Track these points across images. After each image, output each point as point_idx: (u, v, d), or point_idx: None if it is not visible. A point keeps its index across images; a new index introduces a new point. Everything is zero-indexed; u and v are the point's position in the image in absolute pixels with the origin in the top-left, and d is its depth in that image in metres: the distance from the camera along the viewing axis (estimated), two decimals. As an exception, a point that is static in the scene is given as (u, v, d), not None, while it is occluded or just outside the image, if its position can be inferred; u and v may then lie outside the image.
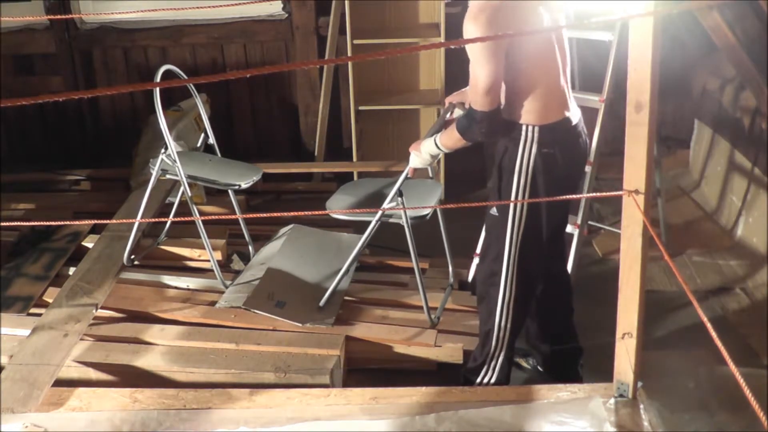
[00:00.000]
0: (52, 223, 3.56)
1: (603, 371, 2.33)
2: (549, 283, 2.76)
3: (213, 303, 3.13)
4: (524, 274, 2.56)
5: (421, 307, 3.00)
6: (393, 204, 2.79)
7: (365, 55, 1.71)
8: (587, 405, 2.21)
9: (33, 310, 3.08)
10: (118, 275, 3.23)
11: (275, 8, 4.65)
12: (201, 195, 4.08)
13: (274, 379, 2.68)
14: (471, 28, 2.26)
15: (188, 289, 3.29)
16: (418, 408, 2.32)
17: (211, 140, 3.50)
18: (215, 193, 4.08)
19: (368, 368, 2.91)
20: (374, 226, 2.88)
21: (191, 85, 3.65)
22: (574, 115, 2.50)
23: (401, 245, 3.01)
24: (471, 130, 2.41)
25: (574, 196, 2.88)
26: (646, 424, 2.12)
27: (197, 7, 4.54)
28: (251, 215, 3.65)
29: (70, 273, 3.27)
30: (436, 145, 2.57)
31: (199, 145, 3.56)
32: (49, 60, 4.83)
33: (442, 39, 4.17)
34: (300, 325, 2.93)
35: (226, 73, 3.54)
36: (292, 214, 2.20)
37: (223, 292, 3.19)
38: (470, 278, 3.35)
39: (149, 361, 2.78)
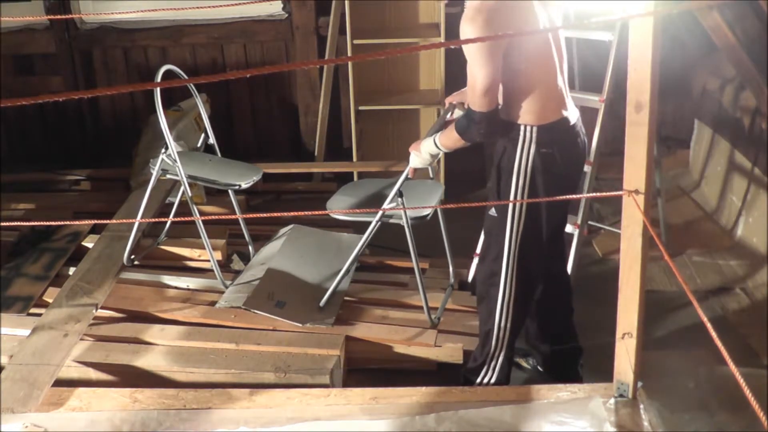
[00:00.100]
0: (52, 223, 3.56)
1: (603, 371, 2.33)
2: (549, 283, 2.76)
3: (213, 303, 3.13)
4: (524, 274, 2.56)
5: (421, 307, 3.00)
6: (393, 204, 2.79)
7: (365, 55, 1.71)
8: (587, 405, 2.21)
9: (33, 310, 3.08)
10: (118, 275, 3.23)
11: (275, 8, 4.65)
12: (201, 195, 4.08)
13: (274, 379, 2.68)
14: (468, 29, 2.26)
15: (188, 289, 3.29)
16: (418, 408, 2.32)
17: (211, 140, 3.50)
18: (215, 193, 4.08)
19: (368, 368, 2.91)
20: (375, 226, 2.88)
21: (191, 85, 3.65)
22: (572, 114, 2.50)
23: (401, 245, 3.01)
24: (470, 131, 2.41)
25: (573, 196, 2.88)
26: (646, 424, 2.12)
27: (197, 7, 4.54)
28: (251, 215, 3.65)
29: (70, 273, 3.27)
30: (435, 144, 2.58)
31: (199, 145, 3.57)
32: (49, 60, 4.83)
33: (442, 39, 4.17)
34: (300, 325, 2.93)
35: (226, 73, 3.54)
36: (292, 214, 2.20)
37: (223, 292, 3.19)
38: (470, 278, 3.35)
39: (149, 361, 2.78)
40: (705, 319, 1.43)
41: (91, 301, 3.00)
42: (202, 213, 3.87)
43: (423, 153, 2.63)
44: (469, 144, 2.50)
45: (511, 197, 2.45)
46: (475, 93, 2.30)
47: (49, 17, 4.55)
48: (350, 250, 3.09)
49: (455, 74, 4.07)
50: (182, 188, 3.20)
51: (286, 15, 4.65)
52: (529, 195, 2.45)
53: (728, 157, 4.01)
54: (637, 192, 1.94)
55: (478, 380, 2.68)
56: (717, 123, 4.24)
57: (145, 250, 3.48)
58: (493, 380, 2.66)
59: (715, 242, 3.79)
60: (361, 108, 4.40)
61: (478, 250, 3.27)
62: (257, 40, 4.73)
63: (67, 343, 2.73)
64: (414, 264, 2.87)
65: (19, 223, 3.67)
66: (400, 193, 2.78)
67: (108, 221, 3.62)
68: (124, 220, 3.59)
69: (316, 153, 4.68)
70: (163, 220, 3.62)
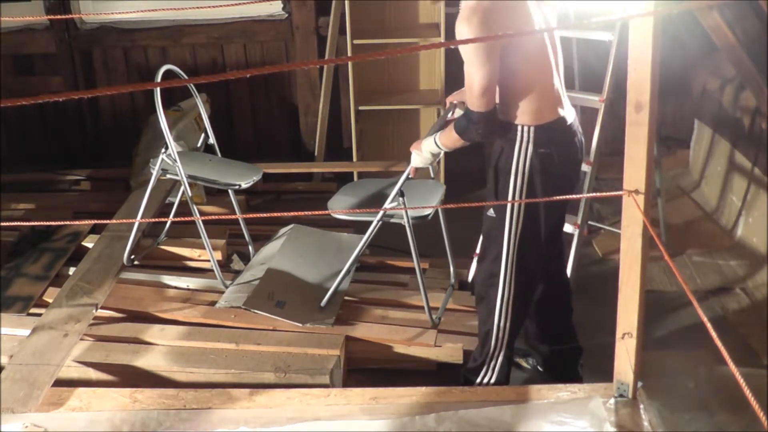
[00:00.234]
0: (52, 223, 3.56)
1: (603, 371, 2.33)
2: (548, 283, 2.76)
3: (213, 303, 3.13)
4: (523, 275, 2.56)
5: (420, 307, 3.00)
6: (394, 204, 2.79)
7: (365, 55, 1.71)
8: (587, 405, 2.21)
9: (33, 310, 3.08)
10: (118, 275, 3.23)
11: (275, 8, 4.65)
12: (201, 195, 4.08)
13: (274, 379, 2.68)
14: (464, 29, 2.26)
15: (188, 289, 3.29)
16: (418, 408, 2.32)
17: (211, 140, 3.50)
18: (215, 193, 4.08)
19: (368, 368, 2.91)
20: (376, 226, 2.88)
21: (191, 85, 3.65)
22: (569, 114, 2.50)
23: (401, 245, 3.01)
24: (468, 131, 2.41)
25: (573, 197, 2.88)
26: (646, 424, 2.12)
27: (197, 7, 4.54)
28: (251, 215, 3.65)
29: (70, 273, 3.27)
30: (436, 144, 2.58)
31: (199, 145, 3.57)
32: (49, 60, 4.83)
33: (442, 39, 4.17)
34: (300, 325, 2.93)
35: (226, 73, 3.54)
36: (292, 214, 2.20)
37: (223, 292, 3.19)
38: (470, 278, 3.35)
39: (149, 361, 2.78)
40: (705, 319, 1.43)
41: (91, 301, 3.00)
42: (202, 213, 3.87)
43: (424, 152, 2.64)
44: (469, 143, 2.50)
45: (509, 198, 2.45)
46: (472, 93, 2.31)
47: (49, 17, 4.55)
48: (350, 250, 3.09)
49: (455, 74, 4.05)
50: (182, 188, 3.20)
51: (286, 15, 4.65)
52: (527, 195, 2.45)
53: (728, 157, 4.01)
54: (637, 192, 1.94)
55: (478, 380, 2.68)
56: (717, 123, 4.24)
57: (145, 250, 3.48)
58: (492, 380, 2.66)
59: (715, 242, 3.79)
60: (361, 108, 4.40)
61: (478, 251, 3.27)
62: (257, 40, 4.73)
63: (67, 343, 2.73)
64: (415, 264, 2.87)
65: (19, 223, 3.67)
66: (401, 193, 2.78)
67: (108, 221, 3.62)
68: (124, 220, 3.59)
69: (316, 153, 4.68)
70: (163, 220, 3.62)
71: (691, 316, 3.17)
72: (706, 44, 4.06)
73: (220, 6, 3.31)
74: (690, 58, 4.52)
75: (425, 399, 2.36)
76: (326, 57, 4.48)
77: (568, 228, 3.37)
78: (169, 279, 3.33)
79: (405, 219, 2.80)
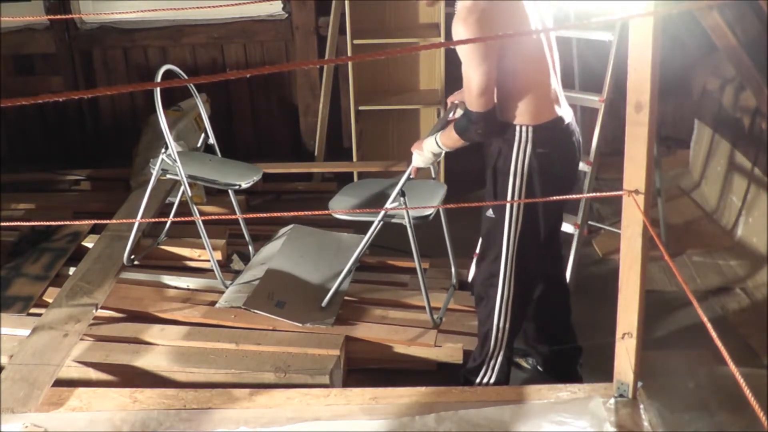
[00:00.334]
0: (52, 223, 3.56)
1: (603, 371, 2.33)
2: (546, 283, 2.76)
3: (213, 303, 3.13)
4: (522, 275, 2.56)
5: (420, 307, 3.00)
6: (395, 204, 2.79)
7: (365, 55, 1.71)
8: (587, 405, 2.21)
9: (33, 310, 3.08)
10: (118, 275, 3.23)
11: (275, 8, 4.65)
12: (201, 195, 4.08)
13: (274, 379, 2.68)
14: (461, 30, 2.26)
15: (188, 289, 3.29)
16: (418, 408, 2.32)
17: (211, 140, 3.50)
18: (215, 193, 4.08)
19: (368, 368, 2.91)
20: (377, 226, 2.87)
21: (191, 85, 3.65)
22: (567, 113, 2.50)
23: (401, 245, 3.01)
24: (468, 131, 2.41)
25: (573, 197, 2.88)
26: (646, 424, 2.12)
27: (197, 7, 4.54)
28: (251, 215, 3.65)
29: (70, 273, 3.27)
30: (437, 144, 2.58)
31: (199, 145, 3.57)
32: (49, 60, 4.83)
33: (442, 39, 4.17)
34: (300, 325, 2.93)
35: (226, 73, 3.54)
36: (292, 214, 2.20)
37: (223, 292, 3.19)
38: (470, 278, 3.35)
39: (149, 361, 2.78)
40: (705, 319, 1.43)
41: (91, 301, 3.00)
42: (202, 213, 3.87)
43: (425, 152, 2.64)
44: (469, 143, 2.50)
45: (509, 198, 2.45)
46: (471, 94, 2.31)
47: (49, 17, 4.55)
48: (350, 250, 3.09)
49: (455, 74, 4.03)
50: (182, 188, 3.20)
51: (286, 15, 4.65)
52: (527, 196, 2.44)
53: (728, 157, 4.01)
54: (637, 192, 1.94)
55: (478, 380, 2.68)
56: (717, 123, 4.24)
57: (145, 250, 3.48)
58: (492, 380, 2.66)
59: (715, 242, 3.79)
60: (361, 108, 4.40)
61: (477, 251, 3.27)
62: (257, 40, 4.73)
63: (67, 343, 2.73)
64: (416, 264, 2.87)
65: (19, 223, 3.67)
66: (402, 193, 2.78)
67: (108, 221, 3.62)
68: (124, 220, 3.59)
69: (316, 153, 4.68)
70: (163, 220, 3.62)
71: (691, 316, 3.17)
72: (706, 44, 4.06)
73: (220, 6, 3.31)
74: (690, 58, 4.52)
75: (425, 399, 2.36)
76: (326, 57, 4.48)
77: (568, 228, 3.37)
78: (169, 279, 3.33)
79: (406, 219, 2.80)
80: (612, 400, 2.21)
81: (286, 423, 2.29)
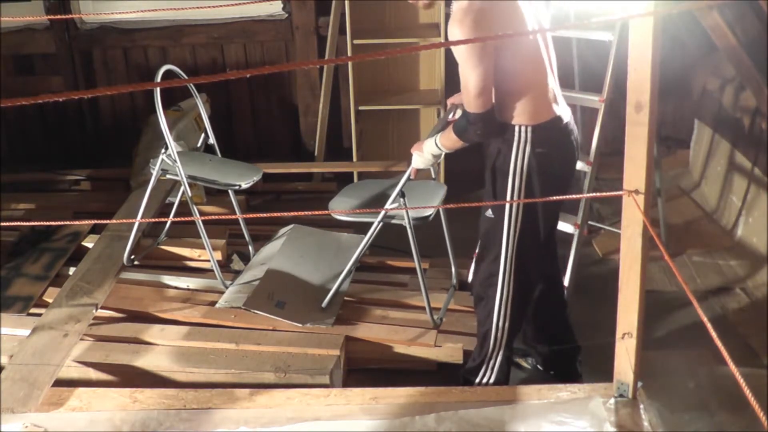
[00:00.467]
0: (52, 223, 3.56)
1: (603, 371, 2.33)
2: (545, 282, 2.76)
3: (213, 303, 3.13)
4: (522, 275, 2.56)
5: (420, 307, 3.00)
6: (395, 205, 2.79)
7: (365, 55, 1.71)
8: (587, 405, 2.21)
9: (33, 310, 3.08)
10: (118, 275, 3.23)
11: (275, 8, 4.65)
12: (201, 195, 4.08)
13: (274, 379, 2.68)
14: (457, 31, 2.26)
15: (188, 289, 3.29)
16: (418, 408, 2.32)
17: (211, 140, 3.50)
18: (215, 193, 4.08)
19: (368, 368, 2.91)
20: (377, 226, 2.87)
21: (191, 85, 3.65)
22: (565, 113, 2.50)
23: (401, 245, 3.01)
24: (467, 132, 2.42)
25: (572, 197, 2.88)
26: (646, 424, 2.12)
27: (197, 7, 4.54)
28: (251, 215, 3.65)
29: (70, 273, 3.27)
30: (436, 145, 2.58)
31: (199, 145, 3.56)
32: (49, 60, 4.83)
33: (442, 39, 4.17)
34: (300, 325, 2.93)
35: (226, 73, 3.54)
36: (292, 214, 2.20)
37: (223, 292, 3.19)
38: (470, 279, 3.35)
39: (149, 361, 2.78)
40: (705, 319, 1.43)
41: (91, 301, 3.00)
42: (202, 213, 3.87)
43: (425, 153, 2.64)
44: (469, 144, 2.50)
45: (508, 198, 2.45)
46: (469, 95, 2.30)
47: (49, 17, 4.55)
48: (350, 250, 3.09)
49: (455, 74, 4.05)
50: (182, 188, 3.20)
51: (286, 15, 4.65)
52: (526, 195, 2.44)
53: (728, 157, 4.01)
54: (637, 192, 1.94)
55: (477, 380, 2.68)
56: (717, 123, 4.24)
57: (145, 250, 3.48)
58: (492, 380, 2.66)
59: (715, 242, 3.79)
60: (361, 108, 4.40)
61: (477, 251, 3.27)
62: (257, 40, 4.73)
63: (67, 343, 2.73)
64: (416, 265, 2.87)
65: (19, 223, 3.67)
66: (402, 194, 2.78)
67: (108, 221, 3.62)
68: (124, 220, 3.59)
69: (316, 153, 4.68)
70: (163, 220, 3.62)
71: (691, 316, 3.17)
72: (706, 44, 4.06)
73: (220, 6, 3.31)
74: (690, 58, 4.52)
75: (425, 399, 2.36)
76: (326, 57, 4.48)
77: (568, 228, 3.37)
78: (169, 279, 3.33)
79: (406, 220, 2.80)
80: (612, 400, 2.21)
81: (286, 423, 2.29)
